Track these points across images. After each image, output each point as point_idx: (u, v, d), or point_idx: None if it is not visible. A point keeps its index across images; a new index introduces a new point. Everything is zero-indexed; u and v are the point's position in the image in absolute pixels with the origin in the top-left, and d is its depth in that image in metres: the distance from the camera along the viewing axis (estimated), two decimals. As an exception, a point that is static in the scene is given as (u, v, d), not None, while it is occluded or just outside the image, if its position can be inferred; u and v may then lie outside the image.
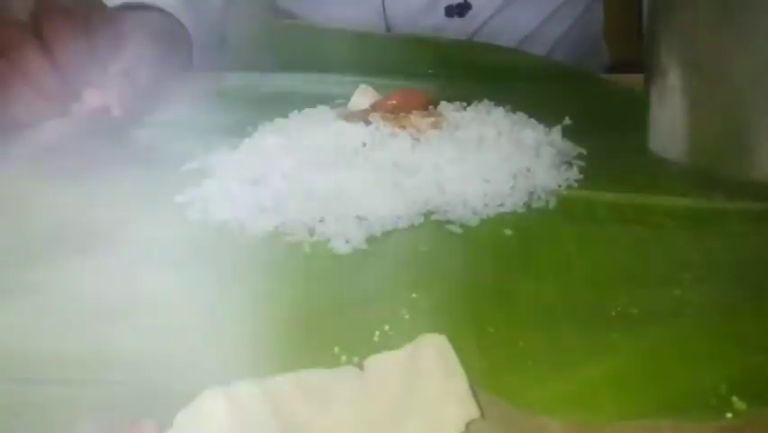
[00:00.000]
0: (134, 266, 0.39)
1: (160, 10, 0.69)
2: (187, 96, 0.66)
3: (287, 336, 0.32)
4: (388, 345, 0.28)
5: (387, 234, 0.40)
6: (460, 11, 0.74)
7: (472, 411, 0.24)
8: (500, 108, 0.48)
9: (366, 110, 0.47)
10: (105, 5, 0.55)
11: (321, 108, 0.49)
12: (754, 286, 0.32)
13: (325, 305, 0.33)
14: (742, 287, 0.33)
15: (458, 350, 0.28)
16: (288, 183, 0.43)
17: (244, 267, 0.38)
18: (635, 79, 0.62)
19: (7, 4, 0.49)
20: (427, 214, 0.41)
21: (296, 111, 0.52)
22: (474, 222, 0.41)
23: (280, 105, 0.61)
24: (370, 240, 0.39)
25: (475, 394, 0.26)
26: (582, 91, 0.59)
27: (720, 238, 0.37)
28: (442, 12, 0.76)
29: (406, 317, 0.30)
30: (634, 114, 0.54)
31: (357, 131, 0.44)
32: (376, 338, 0.29)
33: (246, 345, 0.32)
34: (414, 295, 0.32)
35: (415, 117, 0.44)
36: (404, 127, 0.44)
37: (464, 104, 0.47)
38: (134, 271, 0.38)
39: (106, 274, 0.38)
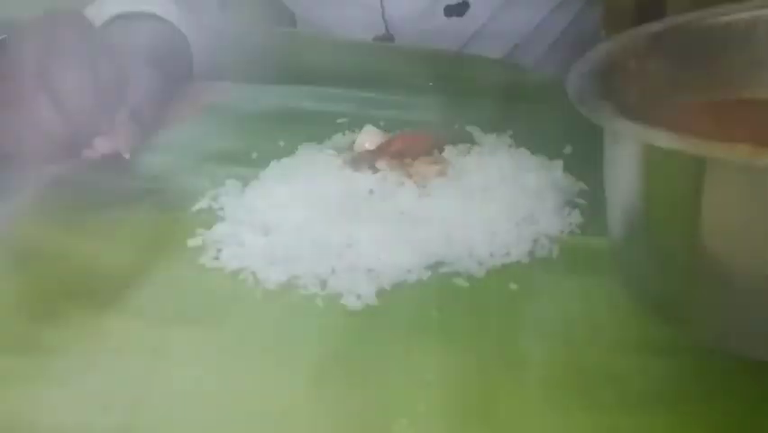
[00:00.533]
0: (150, 325, 0.40)
1: (158, 18, 0.69)
2: (189, 113, 0.66)
3: (310, 413, 0.34)
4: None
5: (396, 287, 0.41)
6: (459, 11, 0.74)
7: None
8: (503, 148, 0.49)
9: (372, 153, 0.48)
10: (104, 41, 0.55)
11: (326, 151, 0.50)
12: None
13: (338, 379, 0.35)
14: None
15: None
16: (299, 234, 0.44)
17: (260, 325, 0.40)
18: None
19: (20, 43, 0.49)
20: (435, 265, 0.42)
21: (302, 145, 0.54)
22: (480, 273, 0.42)
23: (282, 123, 0.63)
24: (380, 294, 0.41)
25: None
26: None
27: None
28: (441, 12, 0.76)
29: (423, 408, 0.32)
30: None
31: (365, 179, 0.45)
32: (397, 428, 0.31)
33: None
34: (427, 376, 0.34)
35: (421, 165, 0.45)
36: (410, 176, 0.45)
37: (469, 145, 0.48)
38: (151, 331, 0.40)
39: (125, 334, 0.40)
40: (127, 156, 0.49)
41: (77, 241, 0.47)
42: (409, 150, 0.47)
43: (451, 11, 0.75)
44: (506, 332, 0.37)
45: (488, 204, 0.44)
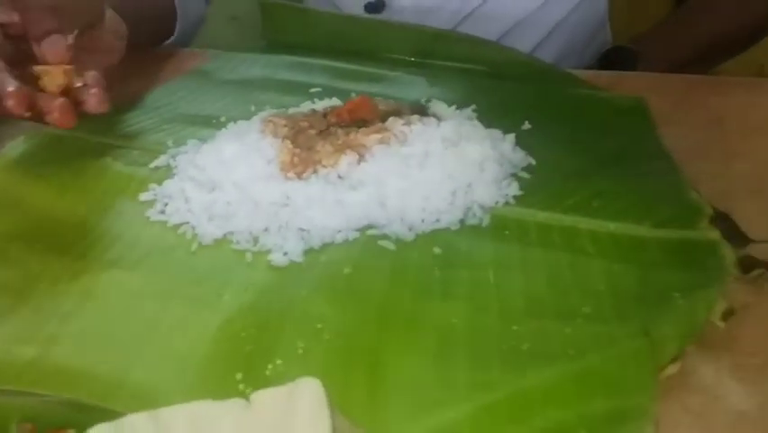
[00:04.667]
0: (89, 268, 0.42)
1: None
2: (171, 77, 0.68)
3: (210, 353, 0.35)
4: (276, 379, 0.31)
5: (325, 246, 0.42)
6: None
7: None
8: (456, 120, 0.49)
9: (322, 116, 0.49)
10: None
11: (281, 114, 0.51)
12: (640, 323, 0.34)
13: (247, 325, 0.36)
14: (627, 324, 0.34)
15: (344, 385, 0.31)
16: (239, 192, 0.45)
17: (188, 276, 0.41)
18: (617, 78, 0.63)
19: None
20: (365, 228, 0.43)
21: (266, 110, 0.55)
22: (409, 238, 0.43)
23: (257, 90, 0.64)
24: (308, 252, 0.42)
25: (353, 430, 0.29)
26: (555, 93, 0.59)
27: (634, 268, 0.39)
28: None
29: (300, 351, 0.33)
30: (601, 121, 0.55)
31: (307, 143, 0.46)
32: (268, 372, 0.32)
33: (173, 360, 0.35)
34: (318, 326, 0.35)
35: (363, 133, 0.46)
36: (351, 143, 0.45)
37: (417, 116, 0.49)
38: (87, 273, 0.42)
39: (63, 276, 0.42)
40: (99, 111, 0.50)
41: (37, 189, 0.49)
42: (358, 114, 0.48)
43: None
44: (411, 292, 0.38)
45: (425, 172, 0.45)
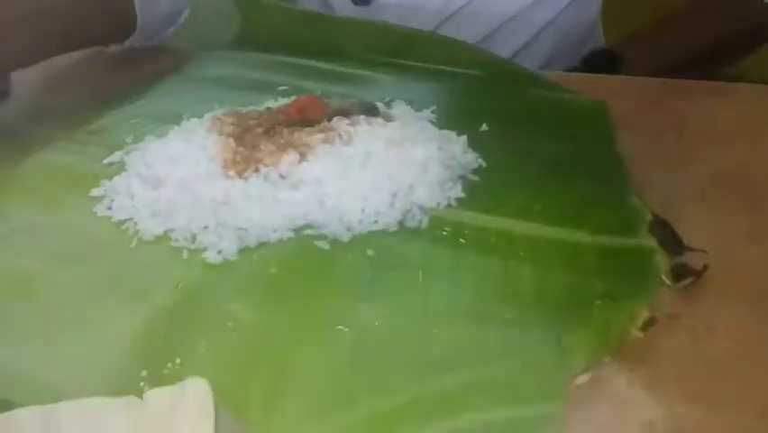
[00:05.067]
0: (30, 263, 0.43)
1: None
2: (143, 74, 0.69)
3: (127, 350, 0.35)
4: (171, 378, 0.31)
5: (260, 245, 0.42)
6: None
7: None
8: (396, 123, 0.49)
9: (269, 115, 0.49)
10: None
11: (231, 112, 0.51)
12: (555, 331, 0.34)
13: (166, 322, 0.36)
14: (543, 331, 0.34)
15: (242, 386, 0.31)
16: (182, 189, 0.45)
17: (122, 272, 0.42)
18: (585, 80, 0.62)
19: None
20: (301, 228, 0.43)
21: (221, 109, 0.55)
22: (346, 238, 0.42)
23: (226, 89, 0.64)
24: (244, 251, 0.42)
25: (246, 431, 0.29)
26: (517, 95, 0.59)
27: (565, 275, 0.38)
28: None
29: (202, 351, 0.33)
30: (558, 124, 0.54)
31: (252, 142, 0.46)
32: (166, 370, 0.32)
33: (91, 356, 0.35)
34: (229, 325, 0.35)
35: (307, 132, 0.46)
36: (294, 142, 0.45)
37: (362, 117, 0.48)
38: (25, 266, 0.42)
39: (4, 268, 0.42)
40: None
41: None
42: (304, 115, 0.48)
43: None
44: (335, 293, 0.38)
45: (366, 172, 0.45)
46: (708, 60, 0.76)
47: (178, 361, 0.32)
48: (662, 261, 0.39)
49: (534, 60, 0.78)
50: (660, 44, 0.72)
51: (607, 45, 0.76)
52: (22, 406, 0.29)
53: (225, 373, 0.32)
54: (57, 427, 0.28)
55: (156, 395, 0.29)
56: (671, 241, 0.40)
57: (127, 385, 0.32)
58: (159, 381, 0.31)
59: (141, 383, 0.32)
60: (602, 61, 0.73)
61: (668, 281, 0.37)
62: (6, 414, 0.28)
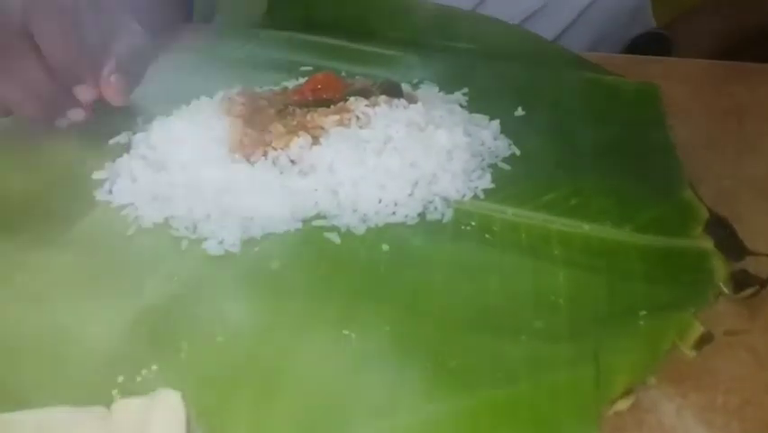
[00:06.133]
0: (22, 246, 0.40)
1: None
2: (166, 54, 0.66)
3: (108, 351, 0.31)
4: (144, 387, 0.27)
5: (265, 237, 0.38)
6: None
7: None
8: (419, 105, 0.44)
9: (282, 95, 0.45)
10: None
11: (243, 92, 0.47)
12: (591, 346, 0.29)
13: (154, 321, 0.32)
14: (577, 345, 0.29)
15: (225, 397, 0.27)
16: (183, 173, 0.42)
17: (117, 262, 0.38)
18: (632, 62, 0.56)
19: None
20: (311, 219, 0.39)
21: (236, 88, 0.51)
22: (360, 231, 0.38)
23: (250, 68, 0.61)
24: (248, 242, 0.38)
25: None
26: (557, 77, 0.53)
27: (603, 279, 0.33)
28: None
29: (182, 355, 0.29)
30: (602, 109, 0.49)
31: (263, 123, 0.42)
32: (140, 377, 0.28)
33: (70, 356, 0.32)
34: (217, 327, 0.31)
35: (321, 113, 0.42)
36: (306, 126, 0.41)
37: (383, 97, 0.44)
38: (19, 252, 0.39)
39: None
40: (119, 104, 0.47)
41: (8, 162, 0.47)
42: (318, 95, 0.44)
43: None
44: (343, 293, 0.34)
45: (384, 158, 0.40)
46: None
47: (154, 367, 0.29)
48: (720, 266, 0.33)
49: (578, 44, 0.72)
50: (712, 25, 0.66)
51: (656, 28, 0.70)
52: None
53: (206, 387, 0.28)
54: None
55: (124, 407, 0.25)
56: (731, 243, 0.34)
57: (101, 392, 0.29)
58: (133, 389, 0.27)
59: (115, 391, 0.28)
60: (651, 44, 0.67)
61: (727, 291, 0.32)
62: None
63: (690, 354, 0.29)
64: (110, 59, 0.49)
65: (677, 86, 0.51)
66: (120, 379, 0.29)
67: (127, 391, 0.27)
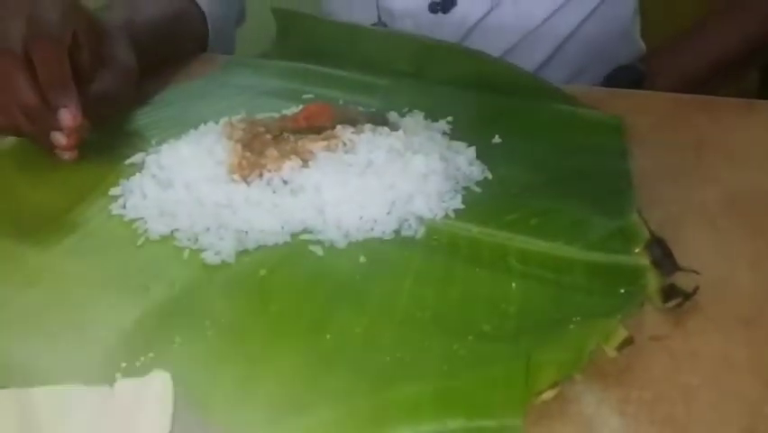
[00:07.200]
0: (43, 254, 0.45)
1: None
2: (181, 80, 0.71)
3: (115, 342, 0.36)
4: (143, 370, 0.32)
5: (258, 249, 0.43)
6: (444, 7, 0.73)
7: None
8: (400, 132, 0.49)
9: (278, 122, 0.50)
10: (99, 20, 0.59)
11: (244, 118, 0.52)
12: (526, 346, 0.33)
13: (155, 317, 0.37)
14: (515, 345, 0.34)
15: (212, 382, 0.32)
16: (189, 191, 0.47)
17: (126, 268, 0.43)
18: (606, 95, 0.60)
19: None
20: (299, 233, 0.44)
21: (238, 115, 0.57)
22: (342, 244, 0.43)
23: (255, 96, 0.66)
24: (242, 253, 0.43)
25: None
26: (534, 108, 0.58)
27: (552, 290, 0.38)
28: (426, 7, 0.76)
29: (175, 346, 0.34)
30: (570, 139, 0.54)
31: (259, 148, 0.47)
32: (139, 363, 0.33)
33: (83, 347, 0.37)
34: (206, 322, 0.36)
35: (311, 140, 0.47)
36: (298, 150, 0.46)
37: (368, 125, 0.49)
38: (39, 258, 0.44)
39: (18, 260, 0.45)
40: (85, 135, 0.52)
41: (21, 180, 0.53)
42: (312, 123, 0.49)
43: (435, 7, 0.74)
44: (321, 298, 0.38)
45: (366, 180, 0.45)
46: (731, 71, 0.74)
47: (151, 355, 0.34)
48: (652, 280, 0.38)
49: (560, 72, 0.77)
50: (686, 54, 0.70)
51: (631, 63, 0.74)
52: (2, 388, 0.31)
53: (195, 369, 0.33)
54: (33, 408, 0.29)
55: (123, 385, 0.30)
56: (664, 260, 0.38)
57: (107, 375, 0.34)
58: (133, 372, 0.32)
59: (118, 374, 0.33)
60: (625, 78, 0.72)
61: (656, 302, 0.37)
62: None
63: (612, 354, 0.33)
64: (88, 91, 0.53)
65: (644, 117, 0.55)
66: (123, 364, 0.34)
67: (128, 374, 0.32)
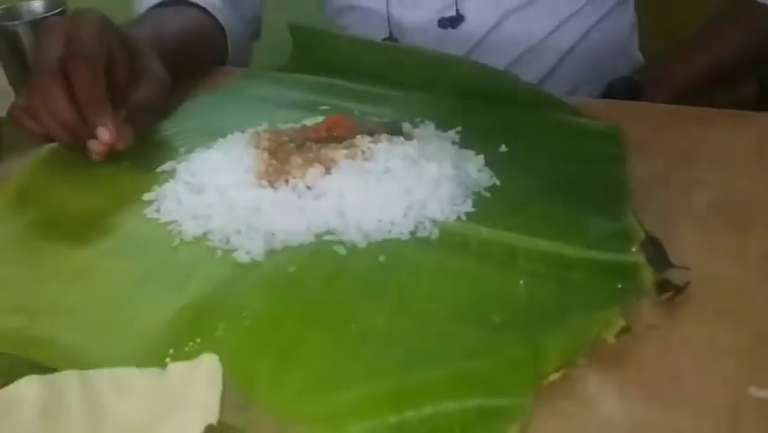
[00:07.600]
0: (87, 254, 0.49)
1: (199, 8, 0.78)
2: (204, 92, 0.75)
3: (160, 332, 0.40)
4: (192, 355, 0.36)
5: (285, 248, 0.47)
6: (453, 23, 0.77)
7: (210, 418, 0.31)
8: (415, 141, 0.53)
9: (302, 132, 0.54)
10: (130, 37, 0.63)
11: (270, 129, 0.56)
12: (534, 334, 0.37)
13: (194, 310, 0.41)
14: (523, 334, 0.37)
15: (251, 366, 0.36)
16: (219, 196, 0.51)
17: (164, 266, 0.47)
18: (605, 106, 0.64)
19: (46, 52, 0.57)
20: (323, 234, 0.48)
21: (276, 123, 0.61)
22: (362, 245, 0.47)
23: (275, 107, 0.70)
24: (270, 252, 0.47)
25: (248, 408, 0.34)
26: (538, 119, 0.62)
27: (556, 286, 0.42)
28: (435, 23, 0.80)
29: (219, 333, 0.38)
30: (572, 147, 0.57)
31: (284, 156, 0.51)
32: (187, 348, 0.37)
33: (129, 336, 0.41)
34: (244, 313, 0.40)
35: (332, 148, 0.51)
36: (320, 158, 0.50)
37: (385, 135, 0.53)
38: (84, 258, 0.48)
39: (65, 259, 0.49)
40: (121, 147, 0.56)
41: (61, 186, 0.57)
42: (332, 133, 0.53)
43: (444, 23, 0.79)
44: (346, 292, 0.42)
45: (384, 186, 0.49)
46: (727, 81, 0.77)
47: (198, 340, 0.37)
48: (647, 276, 0.41)
49: (562, 84, 0.81)
50: (676, 68, 0.74)
51: (629, 74, 0.78)
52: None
53: (237, 353, 0.36)
54: (93, 387, 0.33)
55: (175, 367, 0.34)
56: (658, 258, 0.42)
57: (156, 360, 0.37)
58: (181, 357, 0.36)
59: (167, 359, 0.37)
60: (624, 89, 0.76)
61: (651, 295, 0.40)
62: (52, 375, 0.34)
63: (611, 341, 0.37)
64: (123, 108, 0.58)
65: (641, 127, 0.59)
66: (171, 351, 0.38)
67: (177, 358, 0.36)
